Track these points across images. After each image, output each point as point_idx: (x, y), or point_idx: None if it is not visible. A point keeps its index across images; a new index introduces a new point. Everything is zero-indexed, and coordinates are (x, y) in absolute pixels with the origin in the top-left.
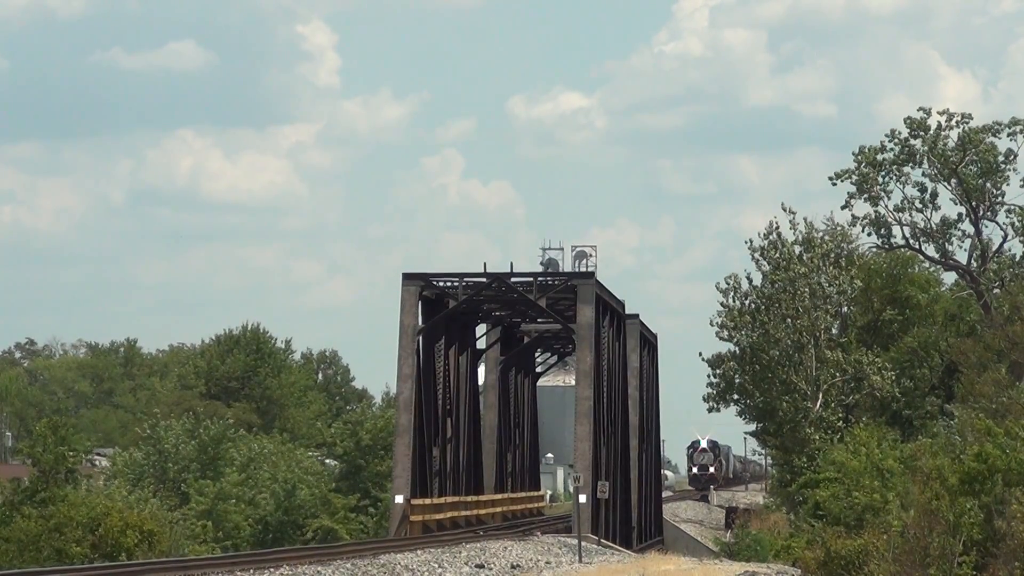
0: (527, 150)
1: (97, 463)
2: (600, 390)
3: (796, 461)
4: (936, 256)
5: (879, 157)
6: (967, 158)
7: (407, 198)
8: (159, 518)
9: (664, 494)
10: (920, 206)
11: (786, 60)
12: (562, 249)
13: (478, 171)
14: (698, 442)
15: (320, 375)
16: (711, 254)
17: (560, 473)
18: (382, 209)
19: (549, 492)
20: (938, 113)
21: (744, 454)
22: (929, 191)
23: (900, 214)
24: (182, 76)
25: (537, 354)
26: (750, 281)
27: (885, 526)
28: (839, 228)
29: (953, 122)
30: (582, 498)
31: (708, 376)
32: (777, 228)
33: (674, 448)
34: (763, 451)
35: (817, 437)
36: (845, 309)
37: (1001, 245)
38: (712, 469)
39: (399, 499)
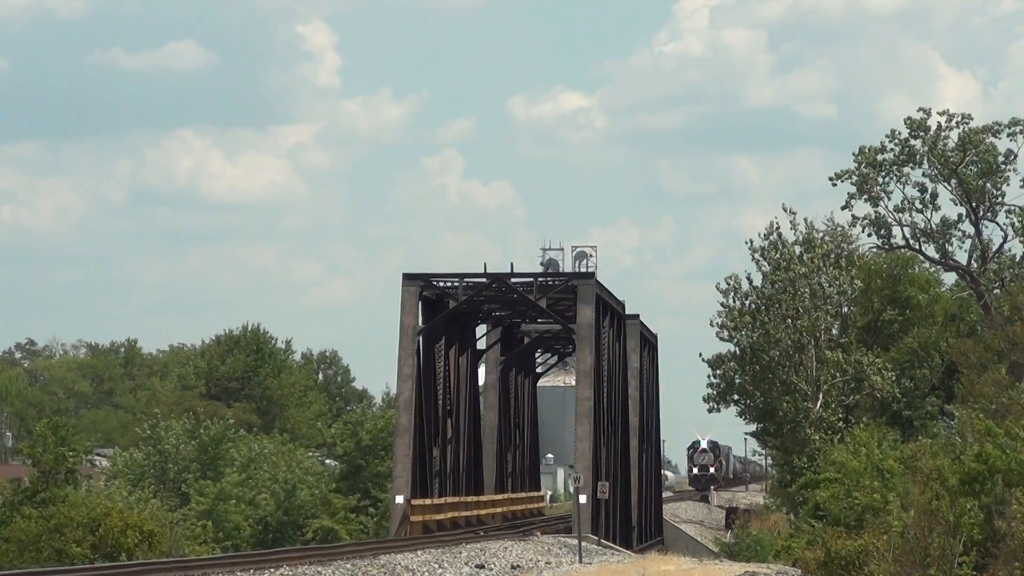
0: (527, 150)
1: (97, 463)
2: (600, 390)
3: (796, 461)
4: (936, 256)
5: (879, 157)
6: (967, 158)
7: (407, 198)
8: (159, 518)
9: (664, 494)
10: (920, 206)
11: (786, 60)
12: (562, 249)
13: (478, 171)
14: (698, 442)
15: (320, 375)
16: (711, 254)
17: (560, 473)
18: (382, 209)
19: (549, 492)
20: (938, 113)
21: (744, 454)
22: (929, 191)
23: (900, 214)
24: (182, 76)
25: (537, 354)
26: (750, 281)
27: (885, 526)
28: (839, 228)
29: (953, 122)
30: (582, 498)
31: (708, 376)
32: (778, 228)
33: (674, 448)
34: (763, 451)
35: (817, 437)
36: (845, 309)
37: (1001, 245)
38: (712, 469)
39: (399, 499)
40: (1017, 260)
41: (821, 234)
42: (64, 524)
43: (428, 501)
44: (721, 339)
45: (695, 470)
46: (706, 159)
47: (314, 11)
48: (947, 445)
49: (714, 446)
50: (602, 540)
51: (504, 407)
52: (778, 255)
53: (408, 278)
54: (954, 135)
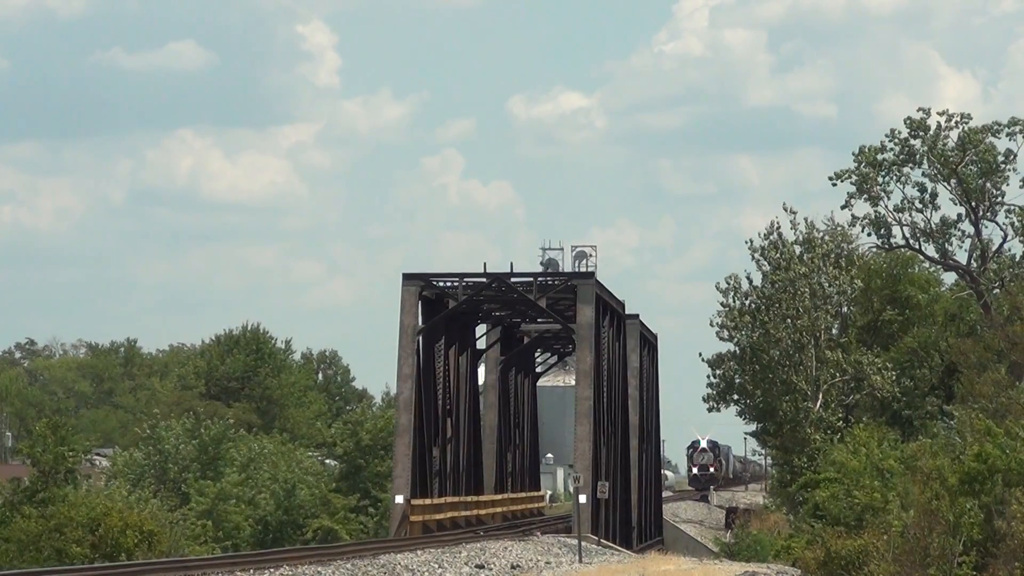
0: (527, 150)
1: (96, 463)
2: (600, 390)
3: (796, 461)
4: (936, 256)
5: (879, 157)
6: (967, 158)
7: (407, 198)
8: (159, 518)
9: (664, 494)
10: (920, 206)
11: (786, 60)
12: (562, 249)
13: (478, 171)
14: (698, 442)
15: (320, 375)
16: (711, 254)
17: (560, 473)
18: (382, 209)
19: (549, 492)
20: (938, 114)
21: (744, 454)
22: (929, 191)
23: (900, 214)
24: (182, 76)
25: (537, 354)
26: (750, 281)
27: (885, 526)
28: (839, 228)
29: (953, 122)
30: (582, 498)
31: (708, 376)
32: (778, 228)
33: (674, 448)
34: (763, 451)
35: (817, 437)
36: (845, 309)
37: (1001, 245)
38: (712, 469)
39: (399, 499)
40: (1017, 260)
41: (821, 234)
42: (64, 524)
43: (428, 501)
44: (721, 339)
45: (695, 470)
46: (706, 159)
47: (314, 11)
48: (947, 445)
49: (714, 446)
50: (602, 540)
51: (504, 407)
52: (778, 255)
53: (408, 278)
54: (954, 135)
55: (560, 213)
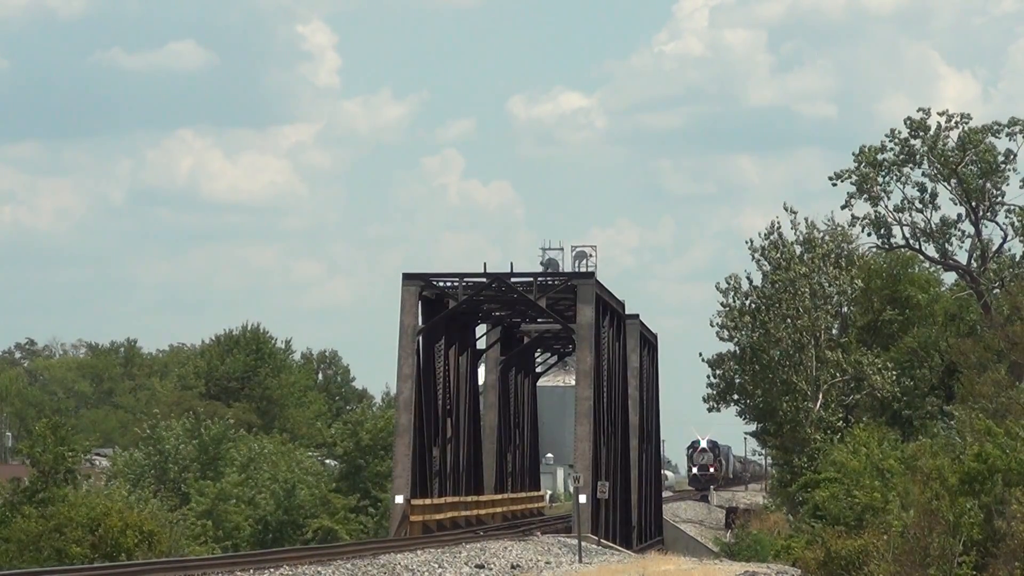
0: (527, 150)
1: (96, 463)
2: (600, 390)
3: (796, 461)
4: (936, 256)
5: (879, 157)
6: (967, 158)
7: (407, 198)
8: (159, 518)
9: (664, 494)
10: (920, 206)
11: (786, 60)
12: (562, 249)
13: (478, 171)
14: (698, 442)
15: (320, 375)
16: (711, 254)
17: (560, 473)
18: (382, 209)
19: (549, 492)
20: (938, 114)
21: (744, 454)
22: (929, 191)
23: (900, 214)
24: (182, 76)
25: (537, 354)
26: (750, 281)
27: (885, 526)
28: (839, 228)
29: (953, 122)
30: (582, 498)
31: (708, 376)
32: (779, 228)
33: (674, 448)
34: (763, 451)
35: (817, 437)
36: (845, 309)
37: (1001, 245)
38: (712, 469)
39: (399, 499)
40: (1017, 260)
41: (822, 234)
42: (64, 524)
43: (428, 501)
44: (721, 339)
45: (695, 470)
46: (706, 159)
47: (314, 11)
48: (947, 445)
49: (714, 446)
50: (602, 540)
51: (504, 407)
52: (779, 255)
53: (408, 278)
54: (954, 135)
55: (560, 213)
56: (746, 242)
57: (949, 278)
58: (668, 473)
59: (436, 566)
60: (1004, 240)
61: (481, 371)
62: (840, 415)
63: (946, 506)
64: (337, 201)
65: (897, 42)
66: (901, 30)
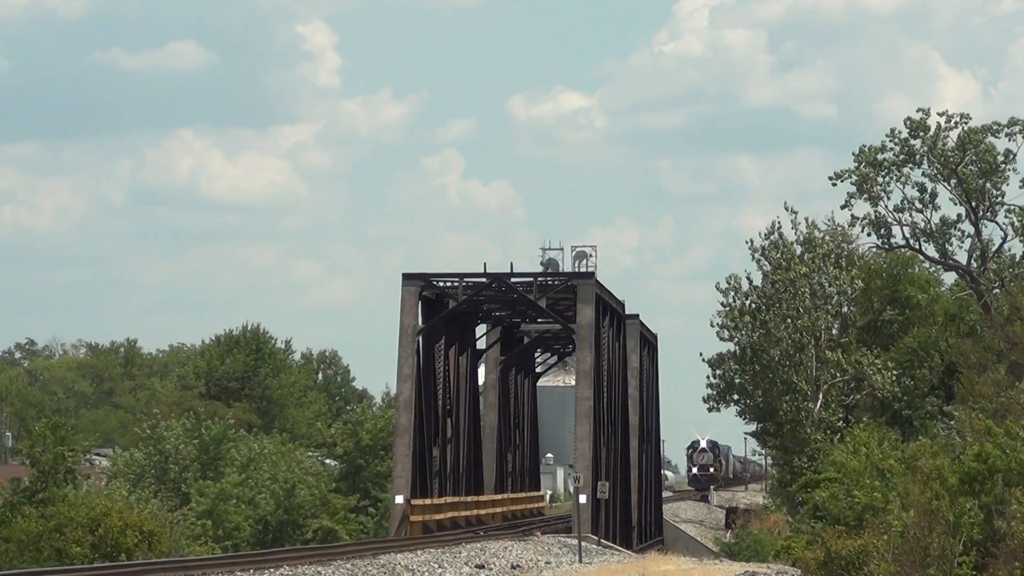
0: (527, 150)
1: (96, 463)
2: (600, 390)
3: (796, 461)
4: (936, 256)
5: (879, 157)
6: (967, 158)
7: (407, 198)
8: (159, 518)
9: (664, 494)
10: (920, 206)
11: (786, 60)
12: (562, 249)
13: (478, 171)
14: (698, 442)
15: (320, 375)
16: (711, 254)
17: (560, 473)
18: (382, 209)
19: (549, 492)
20: (937, 114)
21: (744, 454)
22: (929, 191)
23: (900, 214)
24: (182, 76)
25: (537, 354)
26: (750, 281)
27: (885, 526)
28: (839, 228)
29: (952, 122)
30: (582, 498)
31: (708, 377)
32: (779, 228)
33: (674, 448)
34: (763, 451)
35: (818, 437)
36: (845, 309)
37: (1001, 245)
38: (712, 469)
39: (399, 499)
40: (1017, 260)
41: (822, 234)
42: (64, 524)
43: (428, 501)
44: (721, 339)
45: (695, 470)
46: (706, 159)
47: (314, 11)
48: (947, 445)
49: (713, 446)
50: (602, 540)
51: (504, 407)
52: (779, 255)
53: (408, 278)
54: (954, 135)
55: (560, 213)
56: (746, 242)
57: (949, 278)
58: (668, 473)
59: (436, 566)
60: (1004, 240)
61: (481, 371)
62: (840, 415)
63: (946, 506)
64: (337, 201)
65: (897, 42)
66: (901, 30)
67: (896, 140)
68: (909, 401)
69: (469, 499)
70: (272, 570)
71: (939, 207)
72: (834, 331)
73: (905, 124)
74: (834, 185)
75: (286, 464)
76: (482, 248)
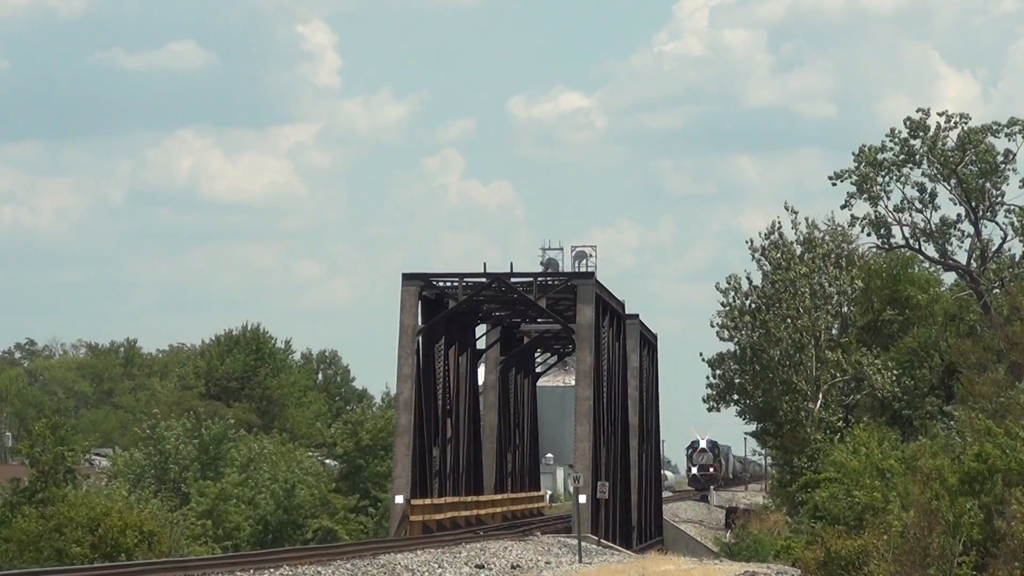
0: (527, 150)
1: (96, 463)
2: (600, 390)
3: (796, 461)
4: (936, 256)
5: (879, 157)
6: (967, 158)
7: (407, 198)
8: (159, 518)
9: (664, 494)
10: (920, 206)
11: (786, 60)
12: (562, 249)
13: (478, 171)
14: (698, 442)
15: (320, 375)
16: (711, 254)
17: (560, 473)
18: (382, 209)
19: (549, 492)
20: (937, 114)
21: (744, 454)
22: (929, 191)
23: (900, 214)
24: (182, 76)
25: (537, 354)
26: (750, 281)
27: (885, 526)
28: (839, 228)
29: (952, 123)
30: (582, 498)
31: (708, 377)
32: (779, 228)
33: (674, 448)
34: (763, 451)
35: (818, 437)
36: (845, 309)
37: (1001, 245)
38: (712, 469)
39: (399, 499)
40: (1017, 260)
41: (822, 234)
42: (64, 524)
43: (428, 501)
44: (721, 339)
45: (695, 470)
46: (706, 159)
47: (314, 11)
48: (947, 445)
49: (713, 446)
50: (602, 540)
51: (504, 407)
52: (779, 255)
53: (408, 278)
54: (953, 135)
55: (560, 213)
56: (746, 242)
57: (949, 278)
58: (668, 473)
59: (436, 566)
60: (1004, 240)
61: (481, 371)
62: (840, 415)
63: (946, 506)
64: (337, 201)
65: (897, 42)
66: (901, 30)
67: (896, 140)
68: (909, 401)
69: (469, 499)
70: (272, 570)
71: (939, 207)
72: (834, 331)
73: (905, 124)
74: (834, 185)
75: (286, 464)
76: (482, 248)
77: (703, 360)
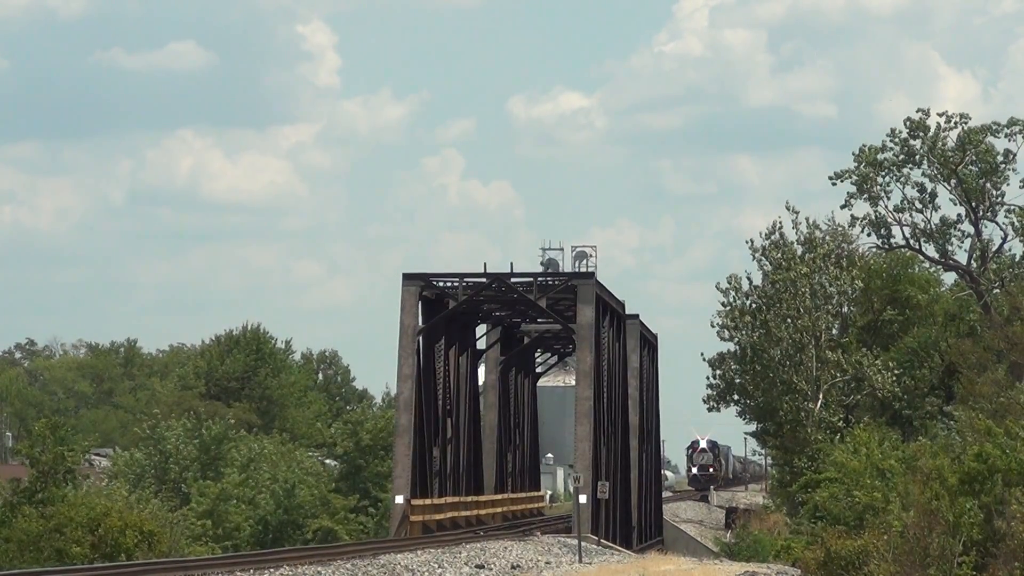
0: (527, 150)
1: (96, 463)
2: (600, 390)
3: (796, 461)
4: (936, 256)
5: (879, 157)
6: (967, 158)
7: (407, 198)
8: (159, 518)
9: (664, 494)
10: (920, 206)
11: (786, 60)
12: (562, 249)
13: (478, 171)
14: (698, 442)
15: (320, 375)
16: (711, 254)
17: (560, 473)
18: (382, 209)
19: (549, 492)
20: (937, 114)
21: (744, 454)
22: (929, 191)
23: (900, 214)
24: (182, 76)
25: (537, 354)
26: (750, 281)
27: (885, 526)
28: (840, 228)
29: (952, 123)
30: (582, 498)
31: (708, 377)
32: (780, 228)
33: (674, 448)
34: (763, 451)
35: (818, 437)
36: (845, 309)
37: (1001, 245)
38: (712, 469)
39: (399, 499)
40: (1017, 260)
41: (822, 234)
42: (64, 524)
43: (428, 501)
44: (722, 339)
45: (695, 470)
46: (706, 159)
47: (314, 11)
48: (947, 445)
49: (713, 446)
50: (602, 540)
51: (504, 407)
52: (779, 254)
53: (408, 278)
54: (953, 135)
55: (560, 213)
56: (746, 242)
57: (949, 278)
58: (668, 473)
59: (436, 566)
60: (1004, 240)
61: (481, 371)
62: (840, 415)
63: (946, 506)
64: (337, 201)
65: (897, 42)
66: (901, 30)
67: (896, 140)
68: (909, 401)
69: (469, 499)
70: (272, 570)
71: (939, 207)
72: (834, 331)
73: (905, 124)
74: (834, 185)
75: (286, 464)
76: (482, 248)
77: (703, 360)
